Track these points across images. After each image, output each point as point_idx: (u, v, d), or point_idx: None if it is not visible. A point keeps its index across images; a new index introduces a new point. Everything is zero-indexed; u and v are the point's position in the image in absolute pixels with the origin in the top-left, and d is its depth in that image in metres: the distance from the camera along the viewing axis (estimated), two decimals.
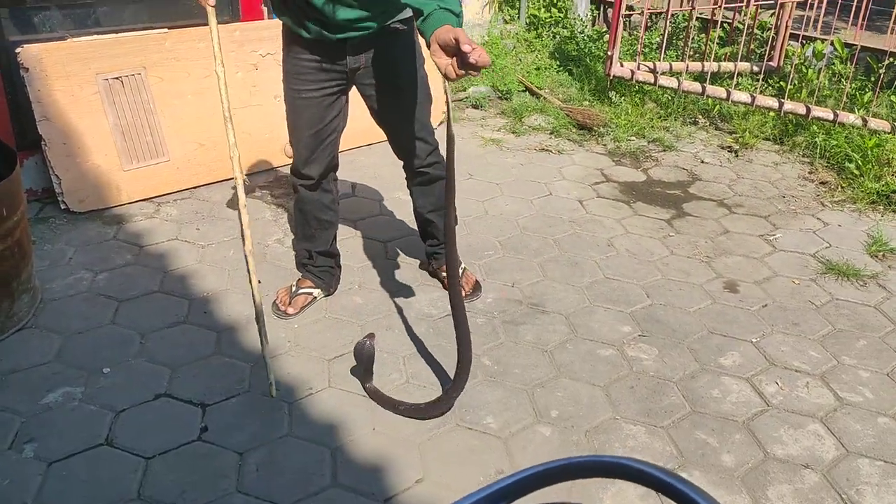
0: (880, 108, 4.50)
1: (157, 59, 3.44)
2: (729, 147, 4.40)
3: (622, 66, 4.76)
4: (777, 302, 2.90)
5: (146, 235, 3.20)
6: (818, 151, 4.19)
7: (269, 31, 3.72)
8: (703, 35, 5.33)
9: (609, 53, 4.67)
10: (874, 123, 4.08)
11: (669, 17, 4.71)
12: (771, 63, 4.99)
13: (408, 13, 2.31)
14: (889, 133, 4.02)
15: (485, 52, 1.75)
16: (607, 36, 5.68)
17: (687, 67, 4.80)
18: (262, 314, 2.30)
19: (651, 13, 5.24)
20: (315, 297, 2.77)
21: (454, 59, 1.75)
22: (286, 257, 3.07)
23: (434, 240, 2.84)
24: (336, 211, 2.73)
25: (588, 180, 3.94)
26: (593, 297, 2.88)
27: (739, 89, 4.69)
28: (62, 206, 3.27)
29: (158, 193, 3.52)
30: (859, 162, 3.89)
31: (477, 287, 2.87)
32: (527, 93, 5.12)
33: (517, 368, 2.47)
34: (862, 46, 4.54)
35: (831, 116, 4.14)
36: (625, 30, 5.48)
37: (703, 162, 4.22)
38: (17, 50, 3.09)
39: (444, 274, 2.85)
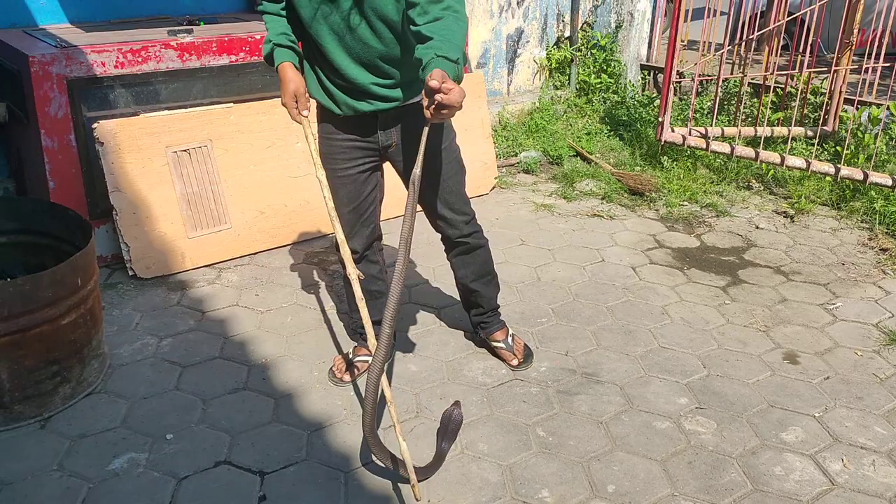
0: None
1: (222, 132, 3.61)
2: (784, 212, 4.36)
3: (673, 131, 4.79)
4: (839, 374, 2.83)
5: (208, 301, 3.30)
6: (877, 217, 4.12)
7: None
8: (755, 100, 5.34)
9: (660, 119, 4.71)
10: None
11: (721, 82, 4.74)
12: (825, 128, 4.96)
13: None
14: None
15: (455, 91, 1.87)
16: (658, 101, 5.74)
17: (739, 133, 4.80)
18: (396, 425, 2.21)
19: (702, 79, 5.28)
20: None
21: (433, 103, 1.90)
22: (343, 323, 3.13)
23: (479, 308, 2.85)
24: (384, 280, 2.78)
25: (640, 246, 3.94)
26: (648, 367, 2.86)
27: (794, 154, 4.67)
28: (130, 273, 3.41)
29: (220, 259, 3.64)
30: None
31: (528, 354, 2.88)
32: (578, 158, 5.18)
33: (572, 440, 2.45)
34: None
35: (890, 182, 4.08)
36: (675, 95, 5.52)
37: (757, 227, 4.18)
38: (94, 125, 3.28)
39: (494, 343, 2.87)
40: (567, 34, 6.27)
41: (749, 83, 5.22)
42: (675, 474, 2.30)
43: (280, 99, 2.37)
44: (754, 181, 4.77)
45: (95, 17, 3.90)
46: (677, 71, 4.78)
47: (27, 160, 3.51)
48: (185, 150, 3.51)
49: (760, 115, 4.94)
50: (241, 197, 3.68)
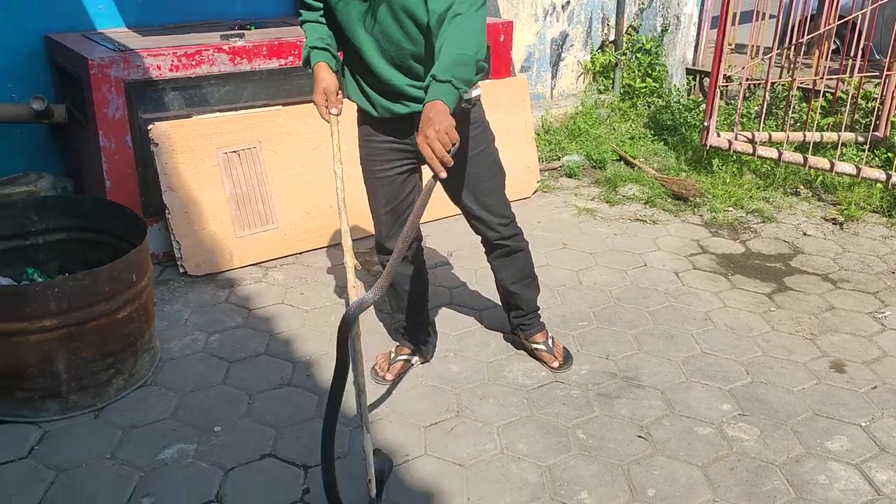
0: None
1: (270, 134, 3.69)
2: (833, 219, 4.29)
3: (719, 135, 4.74)
4: (888, 384, 2.78)
5: (255, 299, 3.38)
6: None
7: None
8: (804, 105, 5.25)
9: (706, 123, 4.67)
10: None
11: (769, 86, 4.68)
12: (877, 133, 4.85)
13: (472, 92, 2.34)
14: None
15: (435, 143, 1.94)
16: (703, 105, 5.68)
17: (788, 138, 4.73)
18: (367, 417, 2.22)
19: (750, 83, 5.21)
20: (412, 364, 2.85)
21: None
22: (386, 323, 3.18)
23: (519, 311, 2.86)
24: (424, 280, 2.81)
25: (684, 251, 3.92)
26: (690, 373, 2.84)
27: (843, 160, 4.59)
28: (181, 270, 3.51)
29: (267, 259, 3.72)
30: None
31: (568, 357, 2.89)
32: (621, 162, 5.16)
33: (612, 443, 2.45)
34: None
35: None
36: (721, 99, 5.47)
37: (805, 234, 4.12)
38: (149, 127, 3.39)
39: (534, 345, 2.88)
40: (612, 38, 6.25)
41: (798, 87, 5.13)
42: (716, 480, 2.29)
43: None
44: (802, 187, 4.70)
45: (151, 22, 4.02)
46: (724, 75, 4.73)
47: (85, 160, 3.64)
48: (234, 152, 3.60)
49: (809, 120, 4.86)
50: (287, 197, 3.76)
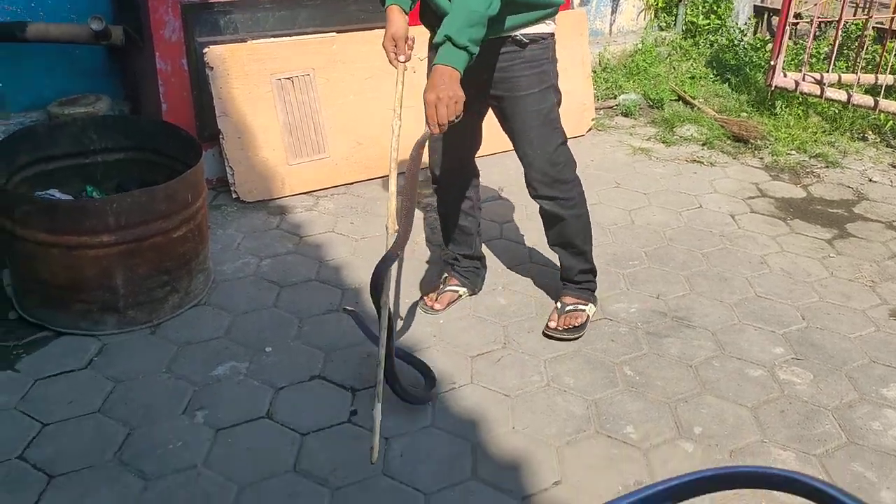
0: None
1: (325, 61, 3.65)
2: None
3: (786, 76, 4.55)
4: None
5: (305, 226, 3.41)
6: None
7: (424, 37, 3.85)
8: (878, 46, 4.99)
9: (772, 63, 4.48)
10: None
11: (841, 25, 4.45)
12: None
13: (530, 29, 2.26)
14: None
15: (430, 101, 2.04)
16: (770, 45, 5.45)
17: (858, 79, 4.52)
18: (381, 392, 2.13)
19: (821, 22, 4.97)
20: (460, 296, 2.85)
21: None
22: (435, 254, 3.18)
23: (560, 265, 2.72)
24: (476, 216, 2.77)
25: (742, 194, 3.81)
26: (743, 315, 2.79)
27: None
28: (234, 196, 3.54)
29: (318, 188, 3.73)
30: None
31: (573, 331, 2.62)
32: (679, 102, 5.00)
33: (659, 381, 2.44)
34: None
35: None
36: (790, 38, 5.22)
37: (871, 181, 3.96)
38: (205, 50, 3.38)
39: (557, 302, 2.71)
40: None
41: (873, 27, 4.87)
42: (765, 422, 2.26)
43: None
44: (870, 132, 4.50)
45: None
46: (794, 13, 4.51)
47: (142, 83, 3.66)
48: (288, 78, 3.58)
49: (883, 62, 4.62)
50: (339, 127, 3.74)
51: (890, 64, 4.58)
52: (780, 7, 5.64)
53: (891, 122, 4.43)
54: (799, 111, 4.62)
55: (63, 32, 3.48)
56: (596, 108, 4.76)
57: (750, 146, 4.34)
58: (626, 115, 4.89)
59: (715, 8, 5.87)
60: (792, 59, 5.13)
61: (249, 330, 2.66)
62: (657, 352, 2.58)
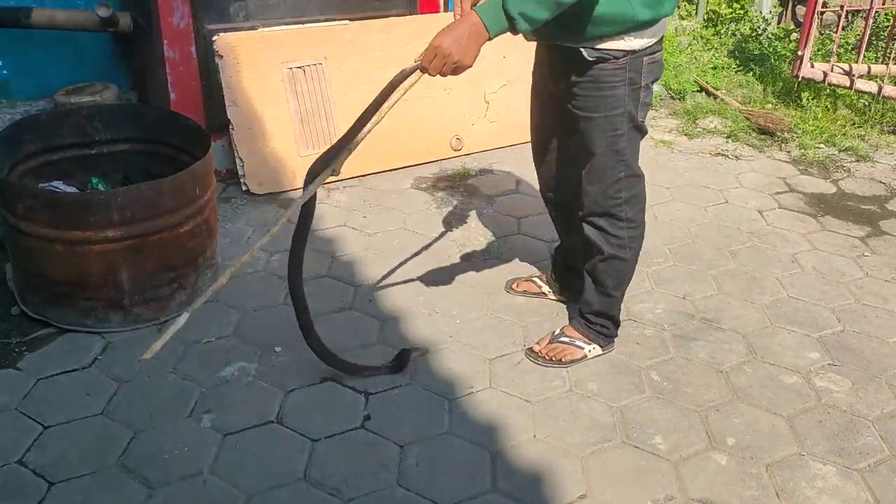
0: None
1: (337, 50, 3.53)
2: None
3: (813, 66, 4.40)
4: None
5: (317, 220, 3.27)
6: None
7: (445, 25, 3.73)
8: None
9: (800, 53, 4.33)
10: None
11: (872, 14, 4.29)
12: None
13: (602, 44, 2.00)
14: None
15: (432, 60, 1.86)
16: (795, 34, 5.29)
17: (888, 71, 4.35)
18: None
19: (849, 11, 4.79)
20: (543, 292, 2.73)
21: None
22: (451, 248, 3.06)
23: (577, 292, 2.51)
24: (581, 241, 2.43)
25: (769, 189, 3.67)
26: (775, 318, 2.66)
27: None
28: (243, 188, 3.44)
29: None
30: None
31: (555, 363, 2.39)
32: (702, 93, 4.86)
33: (689, 387, 2.32)
34: None
35: None
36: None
37: None
38: (214, 38, 3.27)
39: (558, 330, 2.52)
40: None
41: None
42: (803, 432, 2.14)
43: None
44: None
45: None
46: (822, 1, 4.35)
47: (149, 71, 3.56)
48: (300, 67, 3.46)
49: None
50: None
51: None
52: None
53: None
54: (827, 103, 4.46)
55: (69, 19, 3.39)
56: None
57: (776, 139, 4.19)
58: None
59: None
60: (818, 50, 4.97)
61: (258, 328, 2.56)
62: (685, 356, 2.46)
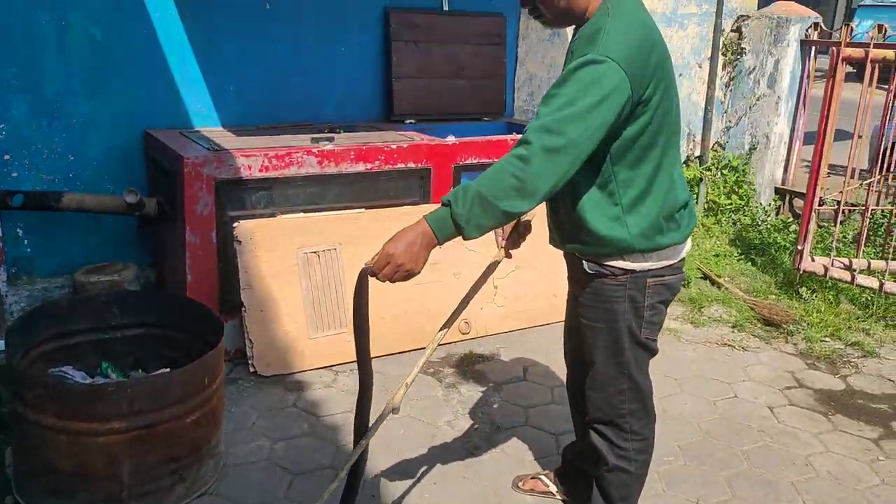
0: None
1: (351, 236, 3.67)
2: None
3: (813, 260, 4.52)
4: None
5: (323, 405, 3.27)
6: None
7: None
8: None
9: (799, 247, 4.46)
10: None
11: (868, 212, 4.47)
12: None
13: (604, 260, 2.04)
14: None
15: (384, 267, 1.95)
16: (793, 226, 5.47)
17: (887, 267, 4.46)
18: None
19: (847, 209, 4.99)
20: (550, 492, 2.67)
21: None
22: (458, 439, 3.01)
23: (580, 484, 2.49)
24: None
25: (778, 383, 3.65)
26: None
27: None
28: (251, 369, 3.44)
29: (337, 362, 3.63)
30: None
31: None
32: (706, 281, 4.96)
33: None
34: None
35: None
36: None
37: None
38: (235, 224, 3.41)
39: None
40: (697, 153, 6.17)
41: None
42: None
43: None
44: None
45: (246, 122, 4.13)
46: (819, 197, 4.55)
47: (169, 252, 3.68)
48: (314, 252, 3.58)
49: None
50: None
51: None
52: (799, 189, 5.72)
53: None
54: (829, 296, 4.54)
55: (98, 203, 3.55)
56: None
57: (782, 331, 4.22)
58: None
59: (736, 188, 5.97)
60: (818, 243, 5.12)
61: None
62: None
